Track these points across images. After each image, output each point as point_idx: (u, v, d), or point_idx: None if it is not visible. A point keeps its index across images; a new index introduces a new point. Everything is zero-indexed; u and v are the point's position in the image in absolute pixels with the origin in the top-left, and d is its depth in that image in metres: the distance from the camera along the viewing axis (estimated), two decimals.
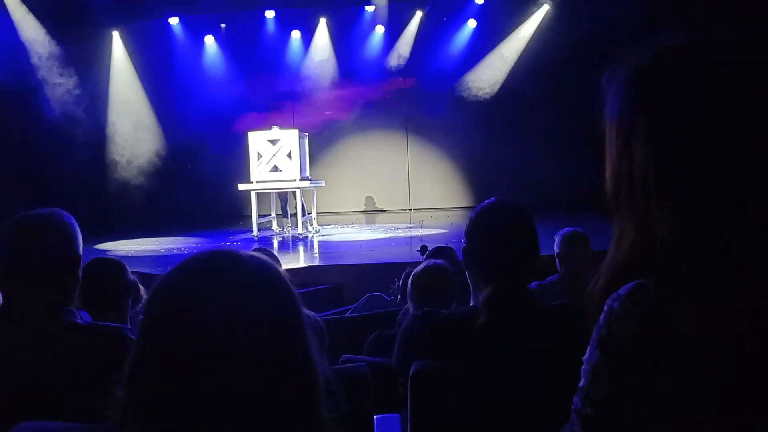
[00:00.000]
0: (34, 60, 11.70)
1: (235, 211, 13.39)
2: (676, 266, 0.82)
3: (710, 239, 0.81)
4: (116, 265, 2.73)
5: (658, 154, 0.85)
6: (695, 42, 0.87)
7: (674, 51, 0.88)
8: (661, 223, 0.84)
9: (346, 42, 14.16)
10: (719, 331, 0.78)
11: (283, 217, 10.86)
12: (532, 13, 13.63)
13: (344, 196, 14.38)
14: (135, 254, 8.84)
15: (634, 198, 0.88)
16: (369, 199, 14.66)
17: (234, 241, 9.70)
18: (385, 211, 14.47)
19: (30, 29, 11.65)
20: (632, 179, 0.87)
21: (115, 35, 13.71)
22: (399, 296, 4.03)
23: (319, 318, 2.66)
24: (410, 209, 14.43)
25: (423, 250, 5.77)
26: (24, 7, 11.55)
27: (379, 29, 14.15)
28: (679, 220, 0.82)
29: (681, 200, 0.82)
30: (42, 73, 11.81)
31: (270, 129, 10.33)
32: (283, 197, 10.80)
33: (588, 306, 0.90)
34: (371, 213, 14.41)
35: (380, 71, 14.23)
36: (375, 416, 2.03)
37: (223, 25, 14.19)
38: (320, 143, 14.00)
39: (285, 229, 10.66)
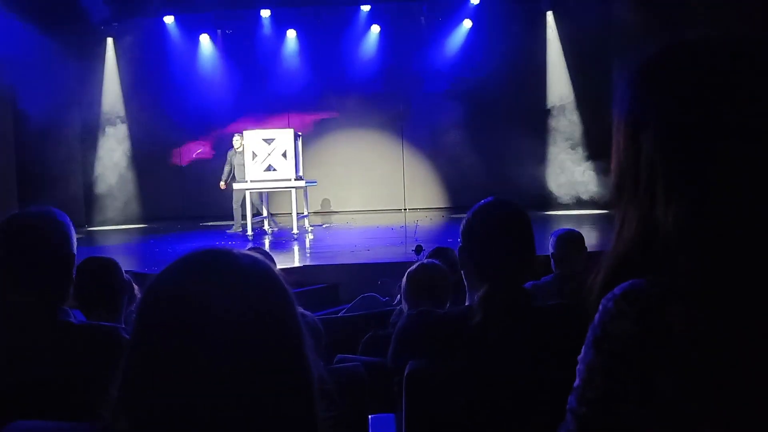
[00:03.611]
0: (24, 58, 11.62)
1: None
2: (676, 260, 0.82)
3: (714, 234, 0.81)
4: (110, 264, 2.72)
5: (665, 148, 0.85)
6: (705, 38, 0.87)
7: (684, 46, 0.88)
8: (666, 216, 0.84)
9: (341, 41, 14.15)
10: (714, 329, 0.78)
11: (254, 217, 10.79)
12: (532, 17, 13.67)
13: (338, 195, 14.37)
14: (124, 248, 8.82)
15: (638, 190, 0.88)
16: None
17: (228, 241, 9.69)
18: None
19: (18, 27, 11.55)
20: (638, 171, 0.88)
21: (110, 36, 13.68)
22: (399, 296, 4.03)
23: (316, 318, 2.66)
24: (405, 209, 14.44)
25: (418, 249, 5.78)
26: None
27: (375, 29, 14.15)
28: (684, 214, 0.82)
29: (687, 195, 0.82)
30: (33, 70, 11.76)
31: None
32: (263, 197, 10.78)
33: (588, 298, 0.90)
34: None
35: (376, 71, 14.22)
36: (370, 416, 2.03)
37: (219, 31, 14.19)
38: (315, 143, 14.03)
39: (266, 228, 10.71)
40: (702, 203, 0.82)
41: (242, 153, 10.52)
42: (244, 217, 10.53)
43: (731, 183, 0.81)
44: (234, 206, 10.67)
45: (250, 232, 9.97)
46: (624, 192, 0.90)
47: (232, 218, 10.85)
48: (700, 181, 0.82)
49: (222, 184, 11.01)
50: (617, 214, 0.92)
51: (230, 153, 10.91)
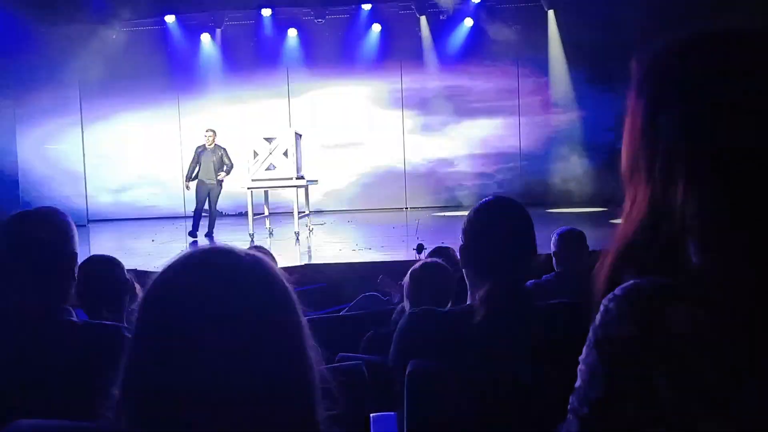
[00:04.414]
0: (24, 56, 11.60)
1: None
2: (684, 247, 0.82)
3: (730, 225, 0.80)
4: (112, 263, 2.72)
5: (688, 133, 0.83)
6: (733, 27, 0.86)
7: (711, 35, 0.87)
8: (683, 201, 0.82)
9: (342, 40, 14.16)
10: (716, 330, 0.78)
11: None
12: (533, 16, 13.67)
13: (339, 194, 14.38)
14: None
15: (652, 173, 0.86)
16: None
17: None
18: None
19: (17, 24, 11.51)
20: (654, 154, 0.86)
21: (110, 35, 13.69)
22: (398, 295, 4.03)
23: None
24: (406, 208, 14.44)
25: (419, 248, 5.78)
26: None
27: (376, 28, 14.15)
28: (701, 202, 0.81)
29: (707, 182, 0.81)
30: (33, 69, 11.75)
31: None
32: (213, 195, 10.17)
33: (596, 283, 0.89)
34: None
35: (376, 70, 14.22)
36: (371, 414, 2.03)
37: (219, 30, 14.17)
38: (316, 142, 14.03)
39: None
40: (722, 193, 0.80)
41: (212, 150, 9.98)
42: (198, 215, 10.00)
43: (752, 175, 0.80)
44: (198, 205, 10.03)
45: (251, 231, 9.97)
46: (636, 174, 0.89)
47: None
48: (720, 170, 0.81)
49: (187, 185, 10.21)
50: (627, 197, 0.90)
51: (198, 149, 10.13)
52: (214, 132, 10.19)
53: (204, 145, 10.11)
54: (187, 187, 10.28)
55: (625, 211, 0.90)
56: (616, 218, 0.93)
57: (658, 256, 0.85)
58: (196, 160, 10.09)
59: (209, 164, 9.98)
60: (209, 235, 10.09)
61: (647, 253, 0.86)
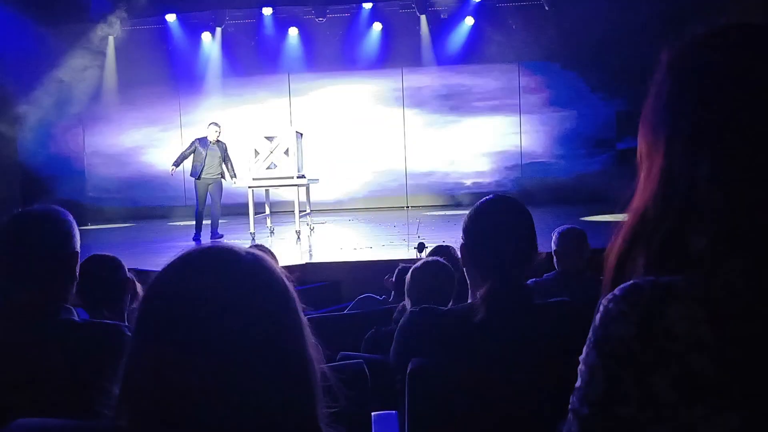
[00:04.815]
0: (24, 55, 11.59)
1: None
2: (691, 231, 0.82)
3: (744, 214, 0.79)
4: (113, 262, 2.72)
5: (711, 118, 0.82)
6: (763, 22, 0.85)
7: (740, 27, 0.85)
8: (705, 178, 0.81)
9: (343, 39, 14.17)
10: (716, 331, 0.78)
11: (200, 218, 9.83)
12: (534, 14, 13.67)
13: (340, 193, 14.39)
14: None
15: (671, 146, 0.85)
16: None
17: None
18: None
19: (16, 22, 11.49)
20: (675, 132, 0.85)
21: (111, 34, 13.69)
22: (393, 293, 4.04)
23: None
24: (407, 206, 14.44)
25: (420, 247, 5.78)
26: None
27: (377, 26, 14.16)
28: (720, 188, 0.80)
29: (735, 167, 0.80)
30: (34, 67, 11.75)
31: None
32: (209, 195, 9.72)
33: (607, 260, 0.89)
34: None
35: (377, 68, 14.23)
36: (372, 413, 2.04)
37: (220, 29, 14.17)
38: (317, 140, 14.04)
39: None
40: (739, 181, 0.79)
41: (217, 145, 9.55)
42: (201, 217, 9.64)
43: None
44: (198, 206, 9.61)
45: (252, 230, 9.97)
46: (653, 151, 0.87)
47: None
48: (739, 158, 0.79)
49: (172, 169, 9.76)
50: (643, 170, 0.89)
51: (198, 142, 9.55)
52: (219, 126, 9.78)
53: (206, 138, 9.62)
54: (172, 173, 9.93)
55: (639, 186, 0.89)
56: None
57: (665, 236, 0.84)
58: (193, 151, 9.57)
59: (215, 159, 9.56)
60: (214, 233, 9.82)
61: (657, 229, 0.85)
